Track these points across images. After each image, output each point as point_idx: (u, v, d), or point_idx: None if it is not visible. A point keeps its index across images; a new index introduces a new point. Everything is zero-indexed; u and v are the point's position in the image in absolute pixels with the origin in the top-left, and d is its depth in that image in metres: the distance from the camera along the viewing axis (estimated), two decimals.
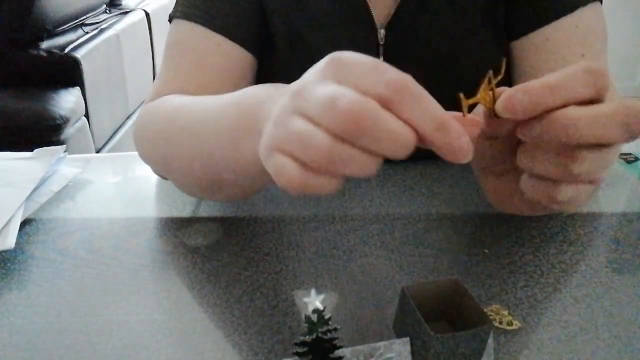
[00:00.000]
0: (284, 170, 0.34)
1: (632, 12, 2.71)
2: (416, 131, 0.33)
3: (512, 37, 0.67)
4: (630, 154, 0.74)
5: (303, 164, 0.34)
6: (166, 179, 0.65)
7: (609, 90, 0.37)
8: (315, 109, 0.33)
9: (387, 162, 0.77)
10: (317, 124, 0.33)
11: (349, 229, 0.59)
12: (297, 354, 0.36)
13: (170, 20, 0.68)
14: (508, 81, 0.72)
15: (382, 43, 0.66)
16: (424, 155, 0.76)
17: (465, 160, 0.34)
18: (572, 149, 0.36)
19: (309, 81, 0.35)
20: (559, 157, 0.37)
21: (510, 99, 0.36)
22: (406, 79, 0.33)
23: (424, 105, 0.33)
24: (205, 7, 0.65)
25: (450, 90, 0.69)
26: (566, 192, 0.38)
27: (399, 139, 0.32)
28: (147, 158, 0.64)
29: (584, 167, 0.36)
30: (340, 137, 0.32)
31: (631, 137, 0.35)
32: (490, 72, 0.37)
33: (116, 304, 0.50)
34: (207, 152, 0.49)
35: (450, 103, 0.73)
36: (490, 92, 0.37)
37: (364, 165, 0.33)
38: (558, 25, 0.63)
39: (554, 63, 0.64)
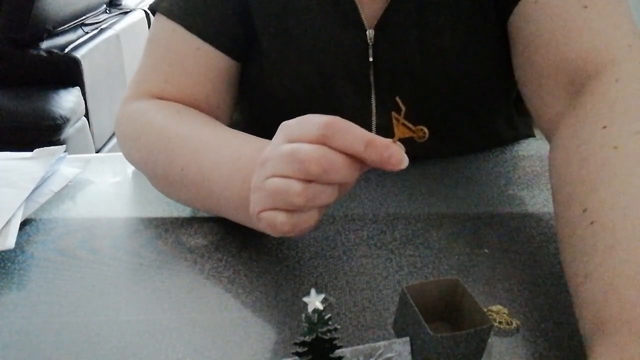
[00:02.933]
0: (275, 221, 0.43)
1: (632, 12, 2.71)
2: (351, 155, 0.41)
3: (507, 11, 0.62)
4: None
5: (288, 211, 0.43)
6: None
7: None
8: (281, 166, 0.42)
9: None
10: (287, 177, 0.42)
11: (349, 229, 0.59)
12: (297, 354, 0.36)
13: (152, 11, 0.69)
14: (507, 72, 0.68)
15: (371, 43, 0.65)
16: (423, 156, 0.76)
17: (400, 167, 0.40)
18: None
19: (269, 150, 0.44)
20: None
21: None
22: (332, 118, 0.41)
23: (351, 133, 0.41)
24: (187, 8, 0.65)
25: (439, 88, 0.69)
26: None
27: (349, 168, 0.41)
28: (135, 165, 0.68)
29: None
30: (308, 179, 0.41)
31: None
32: (403, 110, 0.40)
33: (116, 304, 0.50)
34: (214, 206, 0.56)
35: (439, 101, 0.73)
36: (402, 126, 0.42)
37: (331, 194, 0.43)
38: None
39: (554, 22, 0.56)
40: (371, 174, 0.70)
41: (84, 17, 2.11)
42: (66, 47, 1.92)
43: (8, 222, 0.58)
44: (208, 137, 0.58)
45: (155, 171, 0.61)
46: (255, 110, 0.75)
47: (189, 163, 0.56)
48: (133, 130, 0.64)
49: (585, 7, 0.53)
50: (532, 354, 0.44)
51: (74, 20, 2.05)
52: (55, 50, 1.88)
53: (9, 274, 0.53)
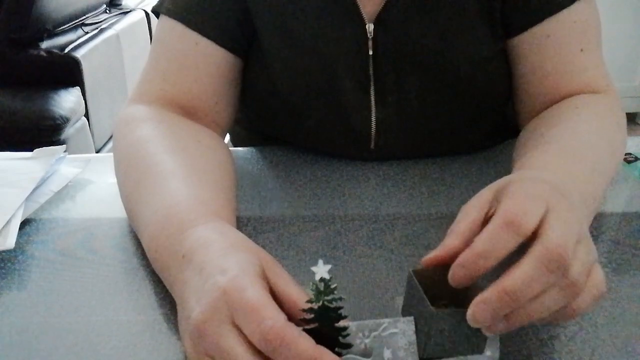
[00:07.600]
0: None
1: (632, 12, 2.71)
2: None
3: (512, 33, 0.66)
4: (630, 153, 0.74)
5: None
6: None
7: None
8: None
9: (387, 162, 0.77)
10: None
11: (349, 229, 0.59)
12: (303, 320, 0.36)
13: (155, 14, 0.69)
14: (507, 85, 0.71)
15: (370, 37, 0.65)
16: (423, 155, 0.76)
17: None
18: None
19: (202, 322, 0.38)
20: None
21: (454, 275, 0.40)
22: (279, 330, 0.35)
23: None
24: (186, 6, 0.66)
25: (444, 84, 0.69)
26: None
27: None
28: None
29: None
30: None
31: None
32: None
33: (116, 304, 0.50)
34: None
35: (444, 96, 0.73)
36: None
37: None
38: (558, 19, 0.64)
39: (557, 59, 0.65)
40: (370, 173, 0.70)
41: (84, 17, 2.11)
42: (66, 47, 1.92)
43: (8, 222, 0.58)
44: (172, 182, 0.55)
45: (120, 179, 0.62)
46: (257, 108, 0.75)
47: (141, 180, 0.56)
48: (122, 142, 0.66)
49: (582, 50, 0.65)
50: (532, 353, 0.44)
51: (74, 20, 2.04)
52: (55, 50, 1.88)
53: (9, 274, 0.53)
